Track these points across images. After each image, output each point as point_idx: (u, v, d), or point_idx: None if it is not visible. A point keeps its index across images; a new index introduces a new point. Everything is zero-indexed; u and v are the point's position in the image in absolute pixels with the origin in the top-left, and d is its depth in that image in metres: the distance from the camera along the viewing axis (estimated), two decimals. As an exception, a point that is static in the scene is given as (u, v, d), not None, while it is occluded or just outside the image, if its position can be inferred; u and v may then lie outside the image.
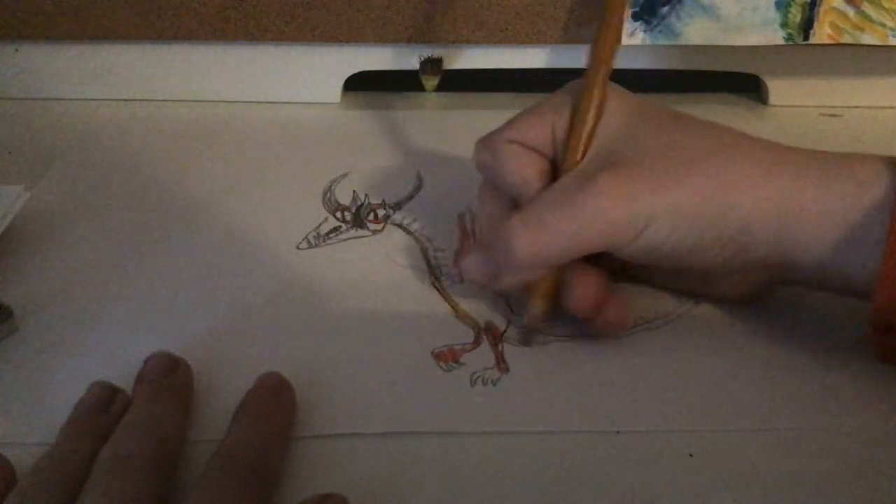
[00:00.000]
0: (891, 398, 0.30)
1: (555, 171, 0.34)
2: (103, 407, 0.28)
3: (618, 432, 0.29)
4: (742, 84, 0.54)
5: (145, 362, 0.30)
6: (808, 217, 0.29)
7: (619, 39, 0.34)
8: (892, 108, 0.53)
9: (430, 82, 0.52)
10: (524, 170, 0.33)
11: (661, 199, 0.29)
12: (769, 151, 0.31)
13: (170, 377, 0.29)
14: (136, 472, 0.25)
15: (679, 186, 0.30)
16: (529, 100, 0.35)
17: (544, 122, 0.33)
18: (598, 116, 0.32)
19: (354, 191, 0.43)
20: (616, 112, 0.32)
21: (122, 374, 0.30)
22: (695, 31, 0.48)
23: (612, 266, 0.34)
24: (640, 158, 0.30)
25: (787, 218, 0.30)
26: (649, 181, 0.30)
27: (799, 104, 0.53)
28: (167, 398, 0.29)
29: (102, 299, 0.35)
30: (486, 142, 0.34)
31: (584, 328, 0.33)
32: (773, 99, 0.53)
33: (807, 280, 0.32)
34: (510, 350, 0.33)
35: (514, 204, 0.34)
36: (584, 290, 0.32)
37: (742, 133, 0.32)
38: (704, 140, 0.31)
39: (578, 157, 0.32)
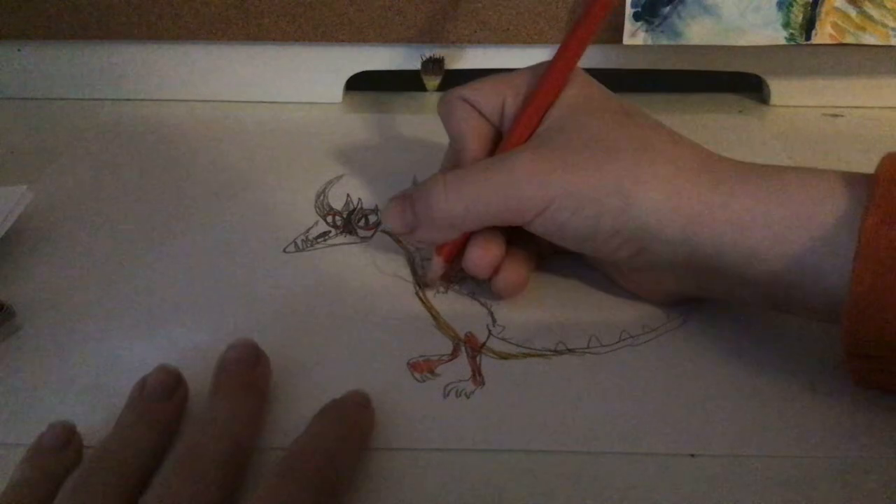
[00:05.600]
0: (884, 407, 0.29)
1: (498, 140, 0.35)
2: (167, 395, 0.28)
3: (589, 452, 0.28)
4: (744, 84, 0.54)
5: (228, 348, 0.29)
6: (746, 226, 0.28)
7: (592, 38, 0.35)
8: (894, 108, 0.53)
9: (432, 82, 0.52)
10: (464, 126, 0.35)
11: (563, 183, 0.30)
12: (697, 159, 0.31)
13: (250, 373, 0.29)
14: (206, 472, 0.24)
15: (584, 174, 0.30)
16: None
17: (497, 94, 0.35)
18: (549, 106, 0.33)
19: (348, 195, 0.42)
20: (567, 101, 0.33)
21: (122, 373, 0.30)
22: (696, 31, 0.48)
23: (542, 249, 0.36)
24: (564, 145, 0.31)
25: (697, 224, 0.29)
26: (561, 165, 0.31)
27: (801, 104, 0.53)
28: (246, 397, 0.28)
29: (103, 300, 0.35)
30: (446, 95, 0.36)
31: (485, 290, 0.34)
32: (774, 99, 0.53)
33: (753, 294, 0.30)
34: (487, 363, 0.32)
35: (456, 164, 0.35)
36: (481, 252, 0.33)
37: (680, 138, 0.32)
38: (631, 137, 0.31)
39: (523, 139, 0.33)
